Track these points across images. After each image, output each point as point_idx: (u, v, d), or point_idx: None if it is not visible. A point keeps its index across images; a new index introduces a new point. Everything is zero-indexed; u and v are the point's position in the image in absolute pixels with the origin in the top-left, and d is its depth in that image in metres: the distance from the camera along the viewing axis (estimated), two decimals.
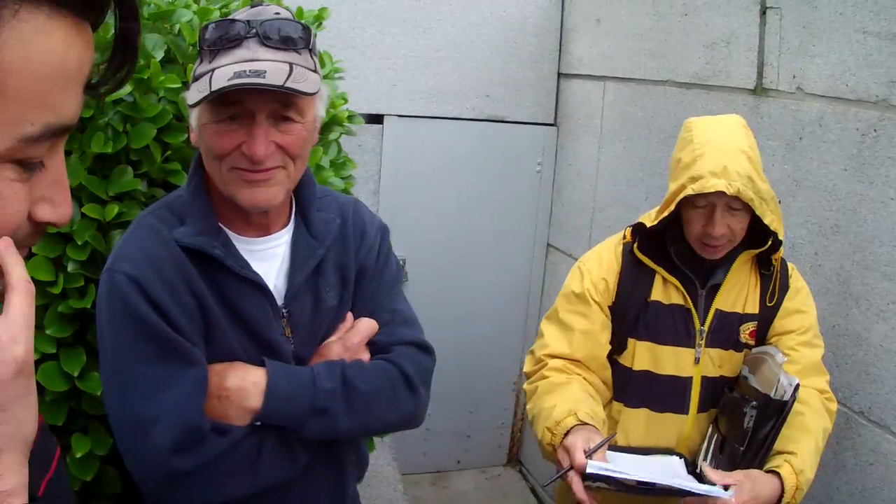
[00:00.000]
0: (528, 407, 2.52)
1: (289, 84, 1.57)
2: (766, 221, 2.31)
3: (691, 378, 2.48)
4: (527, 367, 2.62)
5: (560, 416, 2.29)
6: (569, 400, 2.34)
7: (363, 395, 1.76)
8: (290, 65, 1.60)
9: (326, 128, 2.79)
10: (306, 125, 1.71)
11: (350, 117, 2.92)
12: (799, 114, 3.07)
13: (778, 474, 2.16)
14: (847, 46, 2.82)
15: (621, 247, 2.59)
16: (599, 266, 2.58)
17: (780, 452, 2.22)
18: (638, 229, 2.53)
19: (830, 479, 2.89)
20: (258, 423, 1.70)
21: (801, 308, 2.50)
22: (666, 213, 2.39)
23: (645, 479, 2.09)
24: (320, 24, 2.91)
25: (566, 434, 2.24)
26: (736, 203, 2.29)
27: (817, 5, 2.94)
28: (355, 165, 2.99)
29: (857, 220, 2.82)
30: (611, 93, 4.49)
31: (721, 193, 2.24)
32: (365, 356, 1.87)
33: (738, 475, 2.12)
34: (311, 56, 1.70)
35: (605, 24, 4.47)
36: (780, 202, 3.06)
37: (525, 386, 2.58)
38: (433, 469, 5.42)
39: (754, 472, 2.17)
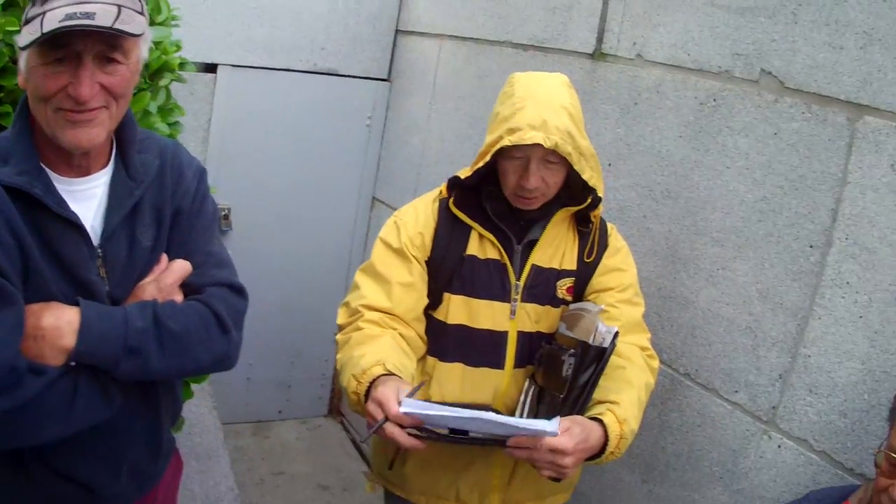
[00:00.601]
0: (337, 357, 2.34)
1: (117, 25, 1.54)
2: (584, 177, 2.23)
3: (507, 333, 2.37)
4: (340, 319, 2.43)
5: (367, 365, 2.12)
6: (378, 351, 2.19)
7: (175, 334, 1.71)
8: (119, 7, 1.57)
9: (157, 74, 2.67)
10: (130, 66, 1.67)
11: (182, 65, 2.79)
12: (637, 80, 2.97)
13: (601, 422, 2.05)
14: (693, 17, 2.73)
15: (438, 202, 2.45)
16: (416, 220, 2.44)
17: (601, 402, 2.12)
18: (453, 183, 2.39)
19: (656, 440, 2.83)
20: (73, 364, 1.63)
21: (620, 266, 2.42)
22: (481, 164, 2.28)
23: (463, 416, 1.93)
24: None
25: (372, 383, 2.08)
26: (553, 157, 2.20)
27: None
28: (183, 112, 2.85)
29: (689, 186, 2.74)
30: (447, 51, 4.31)
31: (538, 147, 2.15)
32: (178, 297, 1.81)
33: (563, 421, 1.98)
34: None
35: None
36: (610, 165, 2.98)
37: (337, 337, 2.39)
38: (254, 419, 5.21)
39: (579, 417, 2.05)
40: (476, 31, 4.00)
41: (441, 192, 2.46)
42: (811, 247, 2.33)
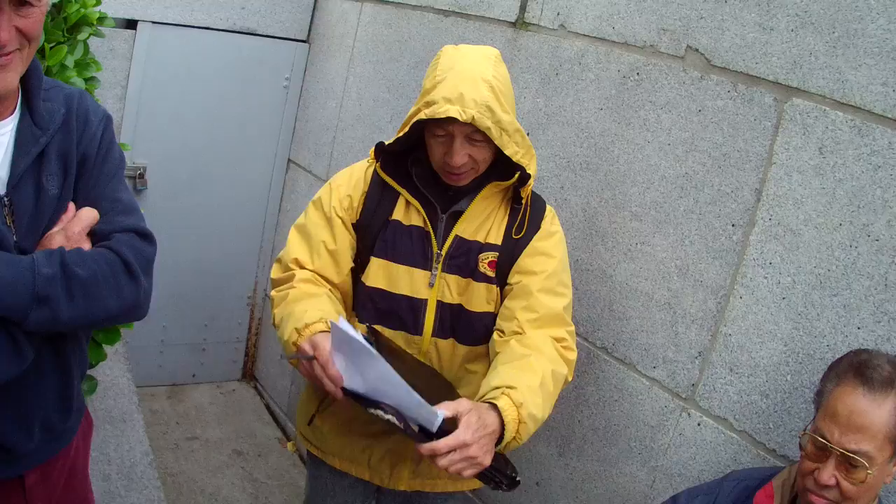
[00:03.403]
0: (274, 312, 2.27)
1: None
2: (507, 153, 2.14)
3: (426, 301, 2.28)
4: (274, 274, 2.38)
5: (311, 320, 2.08)
6: (319, 307, 2.15)
7: (83, 280, 1.62)
8: None
9: (75, 28, 2.53)
10: (41, 8, 1.59)
11: (101, 19, 2.65)
12: (559, 50, 2.82)
13: (496, 406, 1.93)
14: None
15: (372, 167, 2.35)
16: (348, 183, 2.36)
17: (498, 387, 1.98)
18: (379, 149, 2.31)
19: (573, 413, 2.72)
20: None
21: (548, 251, 2.28)
22: (400, 135, 2.20)
23: (378, 369, 1.87)
24: None
25: (313, 336, 2.05)
26: (477, 135, 2.11)
27: None
28: (100, 68, 2.71)
29: (609, 159, 2.61)
30: (367, 14, 4.08)
31: (461, 124, 2.06)
32: (86, 245, 1.72)
33: (464, 404, 1.88)
34: None
35: None
36: (529, 134, 2.84)
37: (272, 293, 2.32)
38: (168, 382, 4.99)
39: (473, 403, 1.92)
40: None
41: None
42: (733, 226, 2.22)
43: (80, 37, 2.56)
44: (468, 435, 1.82)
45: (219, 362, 5.16)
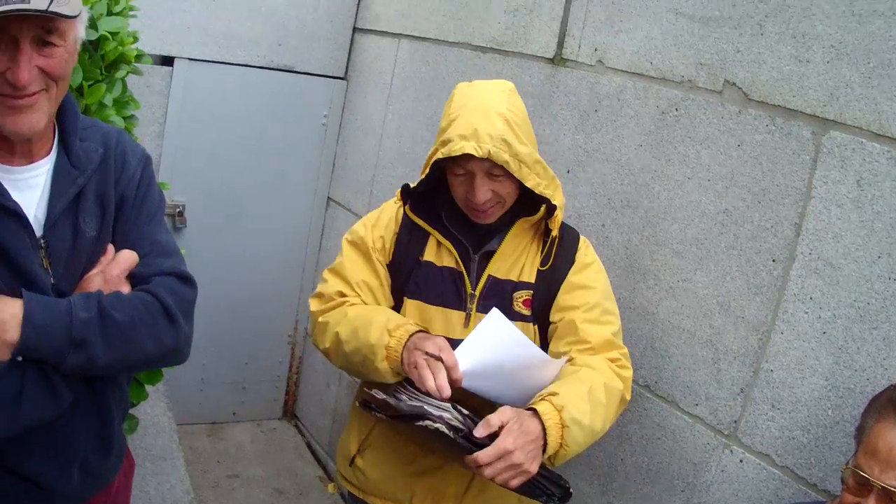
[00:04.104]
0: (336, 329, 2.26)
1: (52, 8, 1.48)
2: (528, 185, 2.16)
3: (462, 340, 2.24)
4: (315, 307, 2.40)
5: (399, 322, 2.16)
6: (397, 315, 2.25)
7: (120, 325, 1.64)
8: None
9: (113, 66, 2.58)
10: (67, 47, 1.61)
11: (139, 57, 2.70)
12: (597, 86, 2.87)
13: (535, 410, 1.95)
14: (656, 25, 2.64)
15: (401, 207, 2.39)
16: (379, 224, 2.40)
17: (540, 395, 2.02)
18: (405, 191, 2.35)
19: (615, 451, 2.74)
20: (19, 359, 1.56)
21: (586, 283, 2.29)
22: (422, 177, 2.24)
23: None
24: None
25: (411, 336, 2.11)
26: (497, 169, 2.13)
27: None
28: (138, 106, 2.77)
29: (649, 196, 2.65)
30: (404, 51, 4.18)
31: (480, 159, 2.09)
32: (125, 288, 1.74)
33: (507, 412, 1.93)
34: None
35: None
36: (569, 172, 2.89)
37: (320, 319, 2.34)
38: (209, 420, 5.06)
39: (514, 410, 1.96)
40: (434, 32, 3.89)
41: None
42: (774, 260, 2.25)
43: (119, 75, 2.61)
44: (509, 441, 1.86)
45: (259, 400, 5.22)
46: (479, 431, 1.92)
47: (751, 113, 2.33)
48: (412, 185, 2.32)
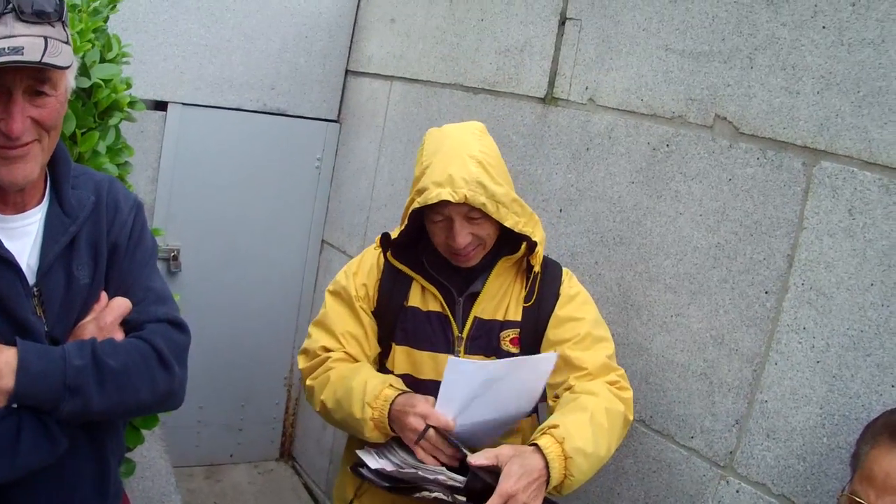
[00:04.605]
0: (322, 398, 2.29)
1: (46, 59, 1.50)
2: (507, 224, 2.17)
3: None
4: (302, 364, 2.42)
5: (377, 390, 2.15)
6: (374, 376, 2.22)
7: (114, 371, 1.66)
8: (45, 38, 1.53)
9: (106, 113, 2.59)
10: (59, 97, 1.64)
11: (132, 103, 2.71)
12: (588, 125, 2.91)
13: (537, 445, 1.96)
14: (646, 62, 2.68)
15: (381, 253, 2.40)
16: (362, 271, 2.41)
17: (541, 429, 2.03)
18: (385, 240, 2.36)
19: (612, 486, 2.73)
20: (14, 406, 1.57)
21: (574, 315, 2.31)
22: (402, 228, 2.26)
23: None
24: (115, 5, 2.71)
25: (392, 404, 2.13)
26: (475, 212, 2.14)
27: (620, 20, 2.79)
28: (132, 152, 2.77)
29: (641, 233, 2.68)
30: (397, 93, 4.23)
31: (457, 204, 2.10)
32: (119, 335, 1.75)
33: (505, 451, 1.94)
34: (64, 28, 1.62)
35: (400, 24, 4.21)
36: (562, 210, 2.92)
37: (307, 382, 2.36)
38: (206, 462, 5.03)
39: (513, 449, 1.96)
40: (427, 74, 3.94)
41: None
42: (766, 293, 2.27)
43: (112, 122, 2.61)
44: (510, 485, 1.86)
45: (256, 442, 5.20)
46: (478, 460, 1.93)
47: (741, 146, 2.37)
48: (392, 235, 2.33)
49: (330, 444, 4.77)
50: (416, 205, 2.14)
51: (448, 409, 2.07)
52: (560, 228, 2.99)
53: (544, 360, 2.15)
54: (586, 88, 2.93)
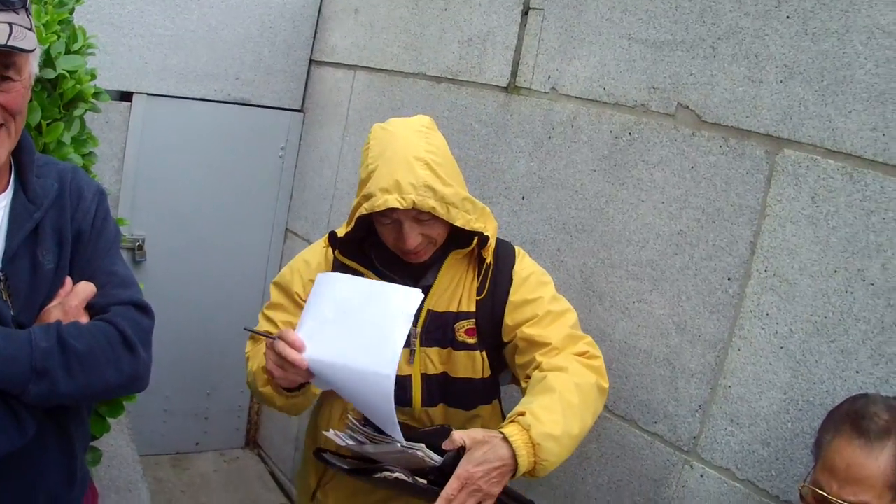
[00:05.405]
0: (249, 368, 2.26)
1: (10, 43, 1.51)
2: (458, 224, 2.06)
3: (410, 376, 2.20)
4: (247, 348, 2.38)
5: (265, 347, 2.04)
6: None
7: (80, 354, 1.63)
8: (10, 24, 1.53)
9: (72, 103, 2.53)
10: (24, 82, 1.63)
11: (97, 94, 2.64)
12: (551, 114, 2.84)
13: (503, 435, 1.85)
14: (609, 51, 2.61)
15: (330, 249, 2.29)
16: (308, 268, 2.28)
17: (509, 416, 1.91)
18: (332, 239, 2.26)
19: (576, 471, 2.67)
20: None
21: (528, 298, 2.19)
22: (349, 230, 2.14)
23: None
24: None
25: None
26: (424, 214, 2.03)
27: (583, 10, 2.71)
28: (97, 143, 2.72)
29: (604, 220, 2.61)
30: (360, 82, 4.13)
31: (404, 209, 1.99)
32: (84, 319, 1.73)
33: (477, 435, 1.84)
34: (27, 15, 1.62)
35: (363, 15, 4.10)
36: (524, 198, 2.85)
37: (246, 355, 2.34)
38: (172, 451, 4.90)
39: (483, 435, 1.85)
40: (390, 63, 3.84)
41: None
42: (729, 279, 2.22)
43: (77, 113, 2.55)
44: (469, 468, 1.77)
45: (222, 430, 5.08)
46: (446, 445, 1.84)
47: (704, 135, 2.31)
48: (339, 234, 2.22)
49: (295, 431, 4.67)
50: (363, 210, 2.02)
51: (303, 329, 1.93)
52: (522, 216, 2.92)
53: (407, 295, 1.92)
54: (549, 77, 2.86)
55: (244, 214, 4.72)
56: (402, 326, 1.87)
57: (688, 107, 2.36)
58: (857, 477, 1.62)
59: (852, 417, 1.69)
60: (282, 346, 1.88)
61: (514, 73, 3.02)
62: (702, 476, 2.28)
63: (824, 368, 2.00)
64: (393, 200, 1.95)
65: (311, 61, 4.65)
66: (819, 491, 1.66)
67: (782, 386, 2.08)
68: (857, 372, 1.93)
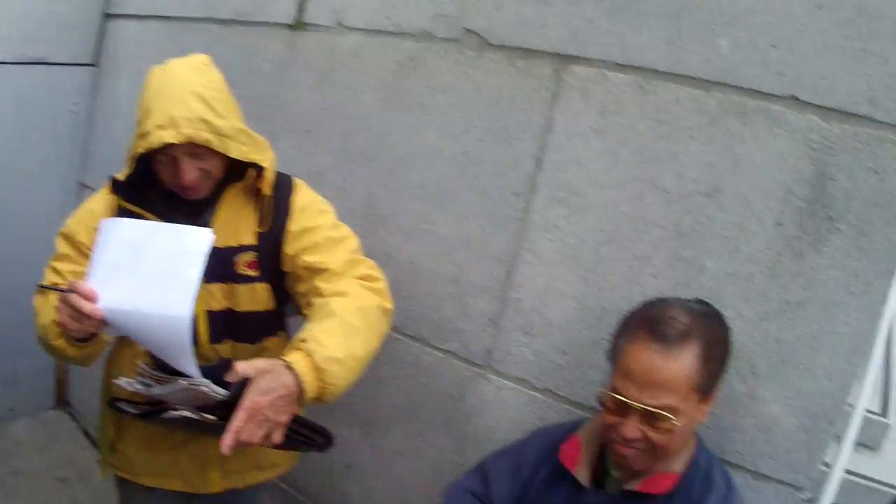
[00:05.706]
0: (37, 324, 1.72)
1: None
2: (233, 156, 1.63)
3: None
4: (36, 303, 1.78)
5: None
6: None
7: None
8: None
9: None
10: None
11: None
12: (336, 47, 2.26)
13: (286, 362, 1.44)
14: None
15: (112, 196, 1.79)
16: (92, 217, 1.76)
17: (291, 344, 1.50)
18: (114, 185, 1.77)
19: (372, 394, 2.13)
20: None
21: (307, 226, 1.74)
22: (129, 171, 1.70)
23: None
24: None
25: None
26: (200, 148, 1.60)
27: None
28: None
29: (387, 146, 2.08)
30: (151, 32, 3.33)
31: (180, 144, 1.57)
32: None
33: (261, 365, 1.41)
34: None
35: None
36: (309, 132, 2.29)
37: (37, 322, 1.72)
38: None
39: (265, 365, 1.42)
40: (180, 10, 3.08)
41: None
42: (515, 195, 1.75)
43: None
44: (253, 399, 1.36)
45: (34, 393, 4.06)
46: (229, 377, 1.41)
47: (489, 57, 1.82)
48: (121, 178, 1.73)
49: (100, 384, 3.85)
50: (140, 150, 1.58)
51: (94, 278, 1.53)
52: (306, 149, 2.34)
53: (198, 235, 1.56)
54: (335, 12, 2.27)
55: (39, 171, 3.76)
56: (195, 267, 1.50)
57: (474, 31, 1.86)
58: (656, 381, 1.26)
59: (648, 322, 1.31)
60: (75, 299, 1.48)
61: (301, 10, 2.41)
62: (499, 388, 1.83)
63: (619, 275, 1.58)
64: (168, 136, 1.54)
65: (104, 14, 3.74)
66: (617, 396, 1.29)
67: (575, 295, 1.65)
68: (654, 277, 1.52)
